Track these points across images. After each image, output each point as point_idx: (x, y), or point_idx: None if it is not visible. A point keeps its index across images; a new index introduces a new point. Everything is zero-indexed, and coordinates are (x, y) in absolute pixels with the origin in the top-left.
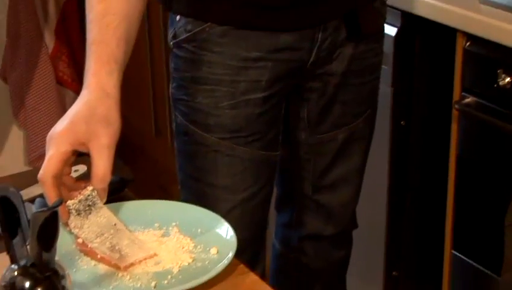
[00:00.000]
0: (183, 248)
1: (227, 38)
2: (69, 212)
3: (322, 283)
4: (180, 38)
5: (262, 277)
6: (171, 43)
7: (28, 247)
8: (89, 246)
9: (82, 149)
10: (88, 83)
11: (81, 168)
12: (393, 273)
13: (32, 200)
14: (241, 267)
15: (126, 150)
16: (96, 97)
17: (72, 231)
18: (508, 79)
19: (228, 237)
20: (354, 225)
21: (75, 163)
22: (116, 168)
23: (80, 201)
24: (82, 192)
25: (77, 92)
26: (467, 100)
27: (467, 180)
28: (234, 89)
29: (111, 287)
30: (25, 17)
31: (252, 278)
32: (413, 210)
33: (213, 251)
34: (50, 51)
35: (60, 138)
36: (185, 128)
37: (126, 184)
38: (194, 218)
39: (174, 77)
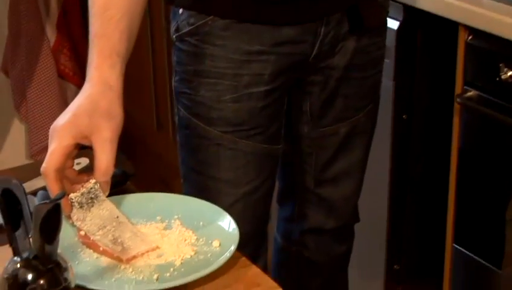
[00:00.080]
0: (185, 240)
1: (229, 32)
2: (71, 205)
3: (324, 276)
4: (183, 31)
5: (264, 270)
6: (174, 36)
7: (31, 239)
8: (92, 238)
9: (84, 142)
10: (90, 77)
11: (83, 161)
12: (395, 266)
13: (34, 193)
14: (243, 260)
15: (127, 143)
16: (98, 91)
17: (75, 223)
18: (510, 73)
19: (230, 230)
20: (355, 218)
21: (77, 156)
22: (117, 161)
23: (82, 194)
24: (84, 185)
25: (79, 85)
26: (469, 94)
27: (469, 174)
28: (237, 82)
29: (113, 279)
30: (26, 11)
31: (254, 270)
32: (414, 204)
33: (215, 243)
34: (51, 44)
35: (62, 131)
36: (187, 122)
37: (128, 177)
38: (196, 211)
39: (177, 71)
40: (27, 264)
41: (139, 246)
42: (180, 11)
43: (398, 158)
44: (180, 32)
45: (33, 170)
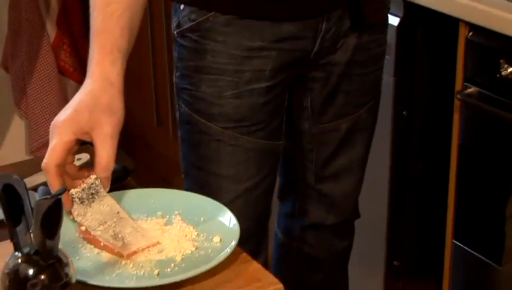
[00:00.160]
0: (186, 236)
1: (231, 28)
2: (72, 201)
3: (324, 272)
4: (184, 27)
5: (265, 266)
6: (175, 32)
7: (32, 235)
8: (92, 234)
9: (85, 138)
10: (91, 72)
11: (84, 157)
12: (395, 263)
13: (35, 189)
14: (244, 255)
15: (127, 140)
16: (99, 86)
17: (75, 219)
18: (510, 69)
19: (231, 226)
20: (356, 214)
21: (78, 152)
22: (117, 157)
23: (83, 189)
24: (85, 180)
25: (79, 81)
26: (469, 90)
27: (469, 170)
28: (238, 78)
29: (114, 275)
30: (26, 6)
31: (255, 266)
32: (414, 200)
33: (216, 239)
34: (52, 40)
35: (63, 127)
36: (188, 118)
37: (129, 173)
38: (197, 206)
39: (178, 67)
40: (28, 260)
41: (139, 242)
42: (182, 7)
43: (398, 154)
44: (181, 28)
45: (33, 165)
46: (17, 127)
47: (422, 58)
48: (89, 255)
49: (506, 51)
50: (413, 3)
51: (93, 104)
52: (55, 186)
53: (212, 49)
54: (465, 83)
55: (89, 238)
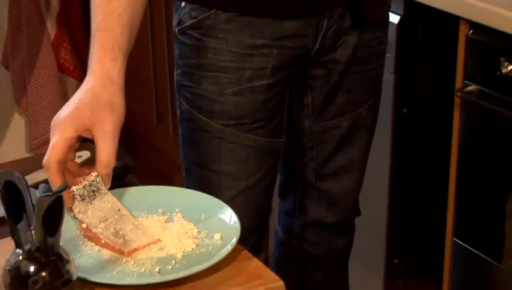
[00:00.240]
0: (186, 233)
1: (232, 25)
2: (73, 198)
3: (324, 270)
4: (185, 24)
5: (265, 263)
6: (176, 29)
7: (33, 232)
8: (93, 231)
9: (86, 135)
10: (93, 70)
11: (85, 154)
12: (395, 260)
13: (35, 186)
14: (245, 253)
15: (127, 137)
16: (100, 84)
17: (76, 216)
18: (510, 67)
19: (232, 223)
20: (356, 212)
21: (78, 149)
22: (117, 155)
23: (84, 187)
24: (86, 178)
25: (79, 79)
26: (470, 88)
27: (469, 168)
28: (239, 76)
29: (115, 272)
30: (26, 4)
31: (256, 263)
32: (414, 198)
33: (216, 236)
34: (52, 38)
35: (64, 123)
36: (189, 115)
37: (129, 171)
38: (198, 204)
39: (179, 64)
40: (29, 257)
41: (140, 239)
42: (183, 4)
43: (399, 152)
44: (182, 26)
45: (33, 163)
46: (17, 125)
47: (422, 56)
48: (89, 252)
49: (507, 49)
50: (413, 1)
51: (95, 101)
52: (56, 183)
53: (213, 47)
54: (466, 81)
55: (90, 236)
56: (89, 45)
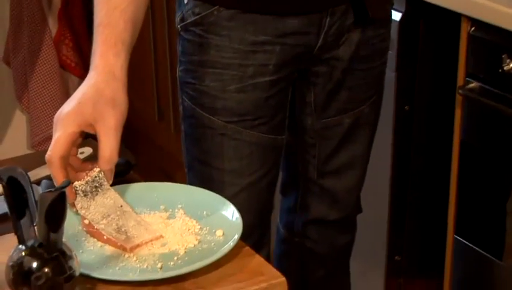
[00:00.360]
0: (189, 229)
1: (234, 22)
2: (75, 194)
3: (326, 267)
4: (188, 21)
5: (267, 260)
6: (179, 26)
7: (36, 228)
8: (95, 227)
9: (89, 130)
10: (95, 65)
11: (87, 151)
12: (396, 257)
13: (38, 182)
14: (247, 249)
15: (128, 134)
16: (103, 79)
17: (79, 212)
18: None
19: (234, 220)
20: (358, 209)
21: (81, 145)
22: (119, 151)
23: (86, 182)
24: (89, 173)
25: (80, 76)
26: (471, 85)
27: (471, 165)
28: (242, 72)
29: (117, 268)
30: (28, 1)
31: (258, 260)
32: (416, 195)
33: (219, 233)
34: (53, 35)
35: (67, 119)
36: (191, 112)
37: (131, 167)
38: (200, 200)
39: (182, 61)
40: (32, 253)
41: (142, 235)
42: (185, 1)
43: (400, 149)
44: (185, 22)
45: (35, 159)
46: (19, 122)
47: (424, 53)
48: (92, 248)
49: (508, 46)
50: None
51: (97, 96)
52: (58, 178)
53: (216, 44)
54: (467, 78)
55: (92, 232)
56: (91, 42)
